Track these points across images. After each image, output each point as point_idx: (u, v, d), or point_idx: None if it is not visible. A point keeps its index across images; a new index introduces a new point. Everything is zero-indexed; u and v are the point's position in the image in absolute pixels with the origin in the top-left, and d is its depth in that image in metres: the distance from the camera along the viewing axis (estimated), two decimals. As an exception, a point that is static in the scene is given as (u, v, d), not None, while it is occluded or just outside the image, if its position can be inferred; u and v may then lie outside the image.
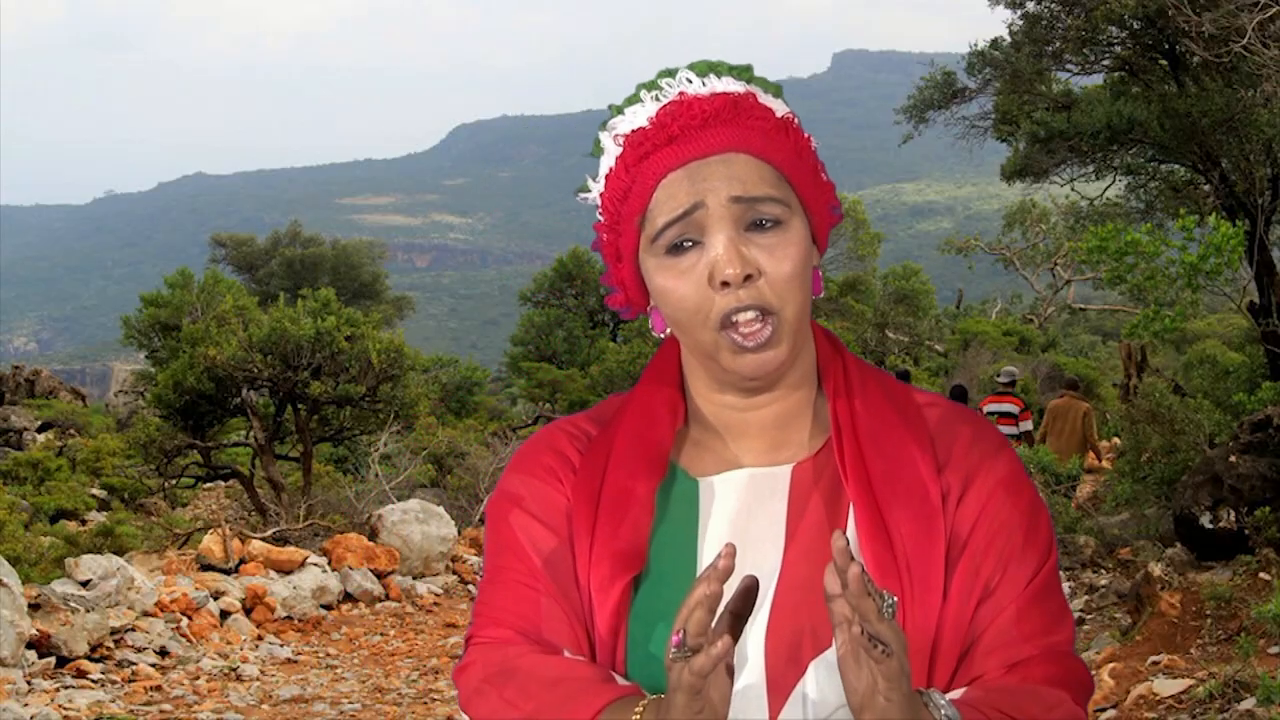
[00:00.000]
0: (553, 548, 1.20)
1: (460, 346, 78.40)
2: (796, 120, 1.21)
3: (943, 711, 1.04)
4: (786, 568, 1.15)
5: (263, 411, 12.61)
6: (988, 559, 1.15)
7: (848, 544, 0.98)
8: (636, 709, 1.07)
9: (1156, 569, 6.18)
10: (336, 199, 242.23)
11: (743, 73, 1.22)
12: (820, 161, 1.22)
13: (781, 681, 1.11)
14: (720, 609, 1.01)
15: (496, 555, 1.24)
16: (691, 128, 1.16)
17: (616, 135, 1.20)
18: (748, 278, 1.14)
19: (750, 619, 1.10)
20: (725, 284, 1.13)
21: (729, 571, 0.99)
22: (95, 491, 15.65)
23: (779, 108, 1.21)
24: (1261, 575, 5.80)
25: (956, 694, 1.10)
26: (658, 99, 1.19)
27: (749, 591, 1.05)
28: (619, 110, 1.22)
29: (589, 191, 1.24)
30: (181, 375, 12.24)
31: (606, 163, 1.21)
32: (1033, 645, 1.14)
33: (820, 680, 1.10)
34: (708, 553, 1.16)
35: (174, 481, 13.91)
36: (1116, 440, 13.18)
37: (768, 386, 1.20)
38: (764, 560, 1.15)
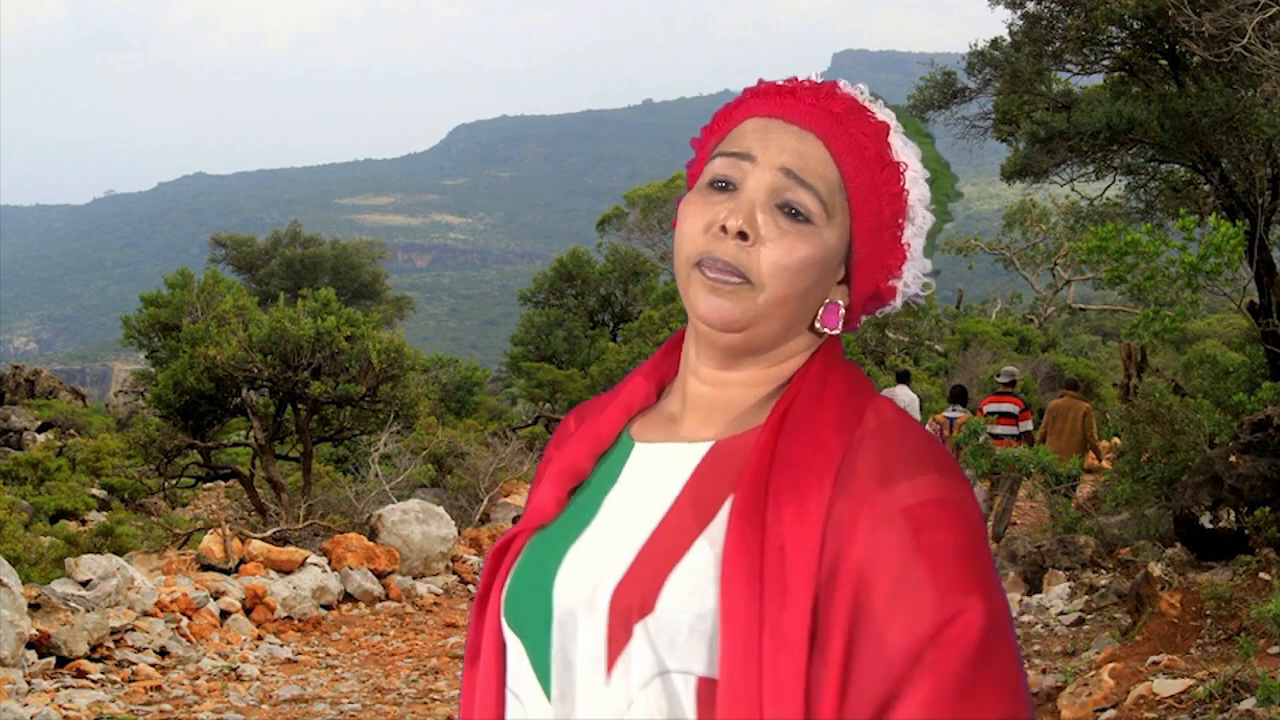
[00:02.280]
0: None
1: (460, 346, 78.50)
2: (907, 184, 1.20)
3: None
4: (656, 534, 1.13)
5: (263, 411, 12.61)
6: (879, 598, 1.02)
7: None
8: None
9: (1156, 569, 6.19)
10: (336, 199, 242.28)
11: (916, 133, 1.24)
12: (899, 231, 1.21)
13: (615, 644, 1.11)
14: None
15: None
16: (799, 94, 1.19)
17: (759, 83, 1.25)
18: (743, 235, 1.13)
19: (604, 579, 1.12)
20: (723, 230, 1.14)
21: None
22: (95, 491, 15.65)
23: (907, 159, 1.21)
24: (1261, 575, 5.81)
25: None
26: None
27: None
28: None
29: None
30: (181, 375, 12.24)
31: None
32: None
33: (641, 644, 1.09)
34: (607, 510, 1.19)
35: (174, 481, 13.92)
36: (1116, 440, 13.19)
37: (730, 363, 1.20)
38: (642, 525, 1.15)
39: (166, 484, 13.87)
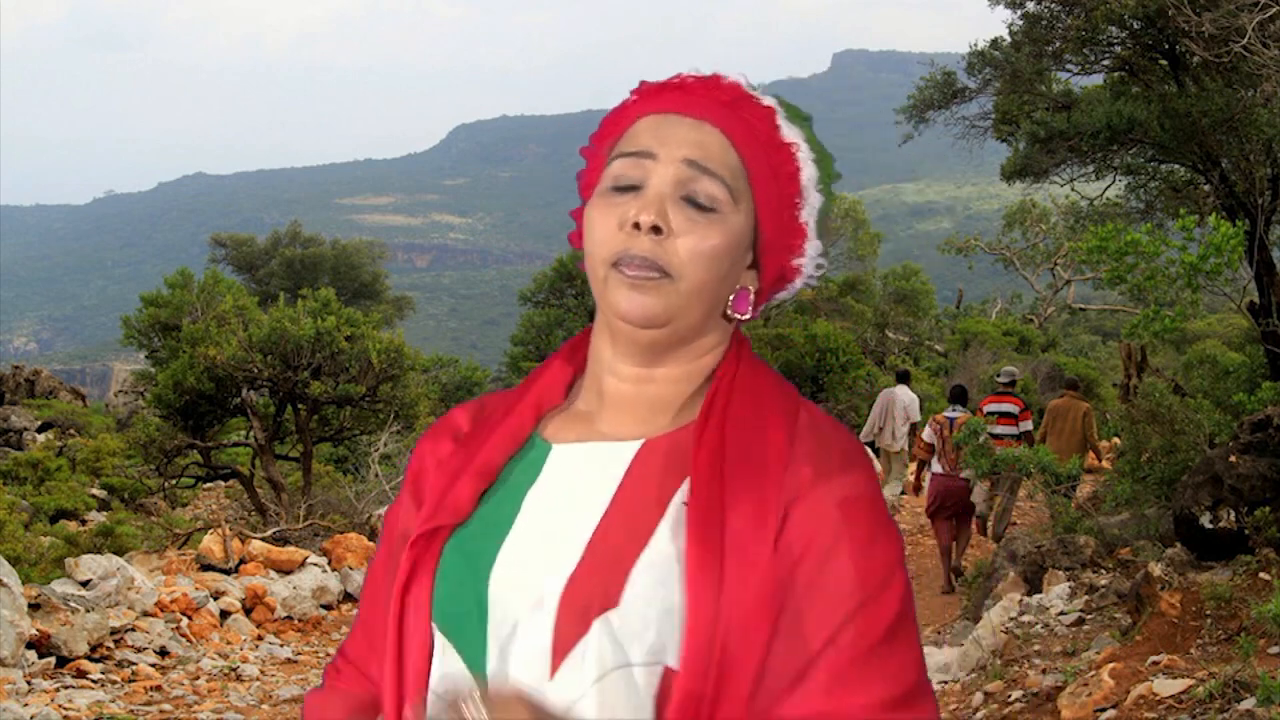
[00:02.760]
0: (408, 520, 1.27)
1: (460, 346, 78.58)
2: (801, 165, 1.22)
3: None
4: (598, 533, 1.14)
5: (263, 411, 12.61)
6: (801, 583, 1.09)
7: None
8: None
9: (1156, 569, 6.19)
10: (336, 199, 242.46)
11: (796, 117, 1.24)
12: (798, 210, 1.22)
13: (565, 641, 1.11)
14: None
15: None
16: (688, 87, 1.21)
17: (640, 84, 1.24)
18: (656, 229, 1.14)
19: (551, 577, 1.13)
20: (636, 226, 1.14)
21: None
22: (95, 491, 15.66)
23: (796, 144, 1.22)
24: (1261, 575, 5.81)
25: None
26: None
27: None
28: None
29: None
30: (181, 375, 12.24)
31: None
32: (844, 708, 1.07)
33: (601, 638, 1.10)
34: (529, 511, 1.18)
35: (174, 481, 13.92)
36: (1116, 440, 13.20)
37: (650, 359, 1.20)
38: (580, 524, 1.15)
39: (166, 484, 13.87)
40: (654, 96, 1.21)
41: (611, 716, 1.09)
